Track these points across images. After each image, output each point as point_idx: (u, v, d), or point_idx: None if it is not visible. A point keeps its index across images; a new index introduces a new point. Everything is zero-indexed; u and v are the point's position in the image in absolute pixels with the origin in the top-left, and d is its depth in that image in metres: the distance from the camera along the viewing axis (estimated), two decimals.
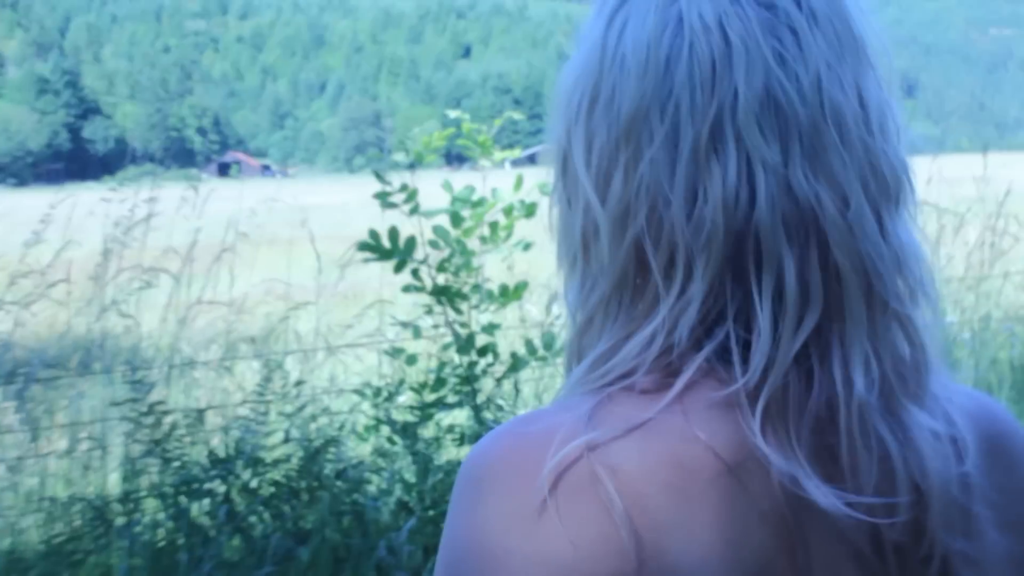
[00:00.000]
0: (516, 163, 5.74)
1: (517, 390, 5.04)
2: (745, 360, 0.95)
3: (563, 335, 5.00)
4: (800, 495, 0.92)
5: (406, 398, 5.19)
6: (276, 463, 4.85)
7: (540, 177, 4.93)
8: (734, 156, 0.95)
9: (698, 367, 0.96)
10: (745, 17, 0.97)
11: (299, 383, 5.28)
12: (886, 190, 0.97)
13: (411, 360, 5.08)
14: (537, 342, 5.03)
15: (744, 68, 0.95)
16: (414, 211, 4.86)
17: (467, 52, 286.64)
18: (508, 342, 5.88)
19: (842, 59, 0.98)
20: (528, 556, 0.90)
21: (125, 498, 4.81)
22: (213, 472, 4.74)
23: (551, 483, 0.91)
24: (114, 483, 5.10)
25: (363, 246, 4.80)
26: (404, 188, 4.86)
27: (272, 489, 4.79)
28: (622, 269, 1.00)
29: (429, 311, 4.99)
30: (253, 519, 4.69)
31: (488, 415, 4.91)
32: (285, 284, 6.50)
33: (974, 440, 1.00)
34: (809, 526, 0.93)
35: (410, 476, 4.90)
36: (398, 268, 4.84)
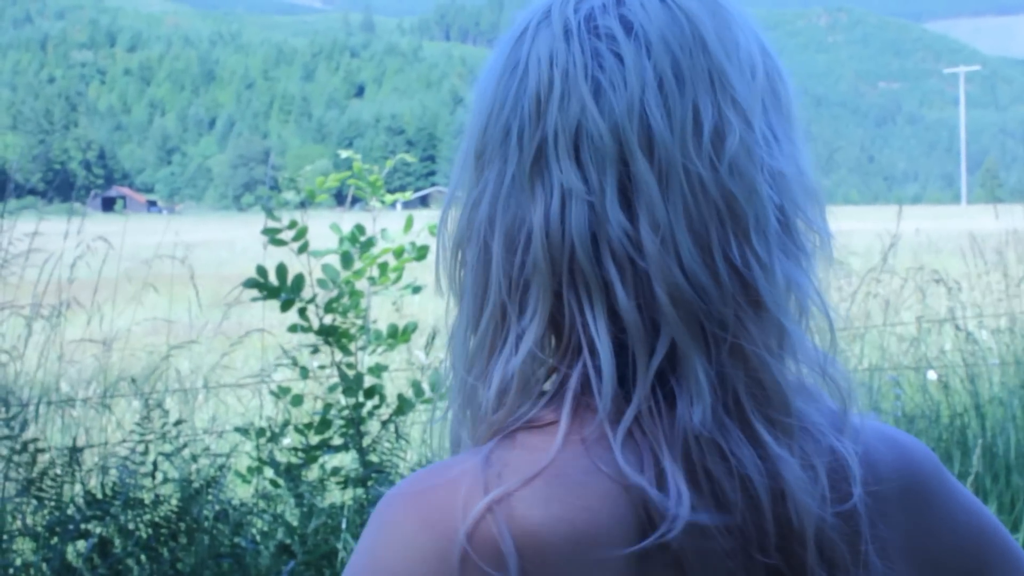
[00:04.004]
0: (408, 205, 5.74)
1: (398, 433, 4.99)
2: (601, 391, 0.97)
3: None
4: (695, 524, 0.93)
5: (290, 440, 5.14)
6: (154, 504, 4.76)
7: (432, 219, 4.94)
8: (554, 188, 0.97)
9: (574, 397, 0.97)
10: (572, 52, 0.99)
11: (179, 422, 5.18)
12: (718, 218, 0.97)
13: (296, 401, 5.03)
14: (424, 385, 5.01)
15: (558, 102, 0.98)
16: (303, 249, 4.82)
17: (360, 91, 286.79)
18: (395, 385, 5.85)
19: (680, 85, 0.98)
20: None
21: None
22: (89, 512, 4.64)
23: (466, 540, 0.93)
24: None
25: (250, 283, 4.74)
26: (293, 224, 4.83)
27: (150, 531, 4.70)
28: (475, 303, 1.03)
29: (315, 351, 4.95)
30: (130, 562, 4.60)
31: (374, 458, 4.87)
32: (168, 322, 6.39)
33: (876, 476, 1.02)
34: (703, 558, 0.94)
35: (293, 519, 4.84)
36: (285, 307, 4.79)
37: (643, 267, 0.96)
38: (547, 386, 1.00)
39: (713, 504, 0.94)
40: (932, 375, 6.55)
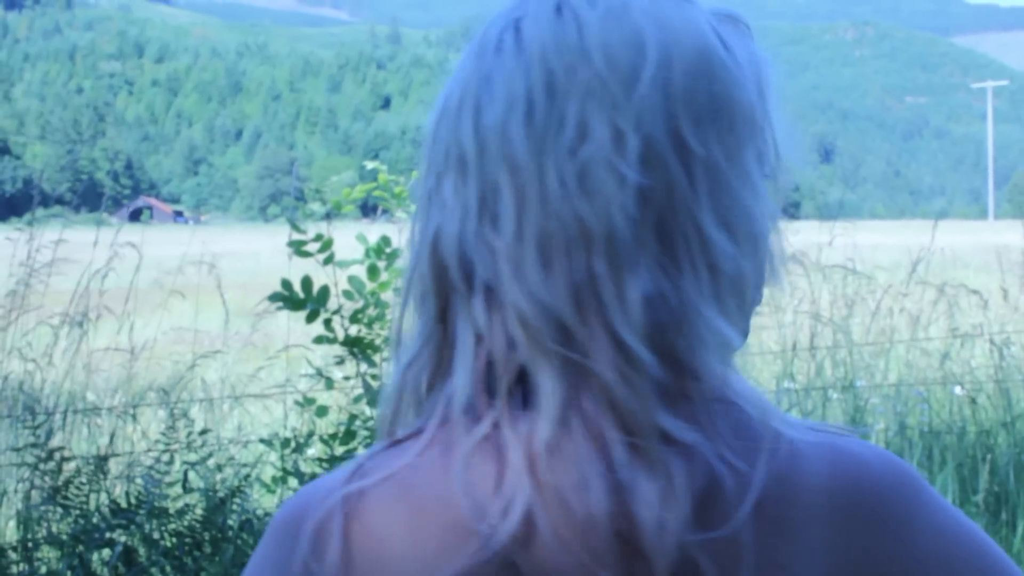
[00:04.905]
0: None
1: None
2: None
3: None
4: (535, 535, 0.93)
5: (315, 450, 5.14)
6: (179, 513, 4.77)
7: None
8: (444, 204, 1.00)
9: (445, 406, 0.99)
10: (475, 70, 1.01)
11: (204, 432, 5.20)
12: (565, 236, 0.95)
13: (321, 411, 5.03)
14: None
15: (454, 119, 1.00)
16: (328, 261, 4.83)
17: (386, 103, 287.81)
18: None
19: (550, 100, 0.96)
20: None
21: (21, 546, 4.69)
22: (114, 521, 4.65)
23: (309, 541, 0.97)
24: (11, 531, 4.98)
25: (275, 297, 4.75)
26: (319, 237, 4.84)
27: (174, 540, 4.71)
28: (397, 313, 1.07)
29: (341, 362, 4.95)
30: (155, 571, 4.61)
31: None
32: (194, 332, 6.42)
33: (791, 496, 0.95)
34: (544, 569, 0.94)
35: None
36: (310, 318, 4.79)
37: (498, 285, 0.97)
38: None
39: (560, 519, 0.93)
40: (959, 390, 6.52)
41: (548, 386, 0.94)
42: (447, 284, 0.99)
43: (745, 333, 1.04)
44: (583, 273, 0.95)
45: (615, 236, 0.95)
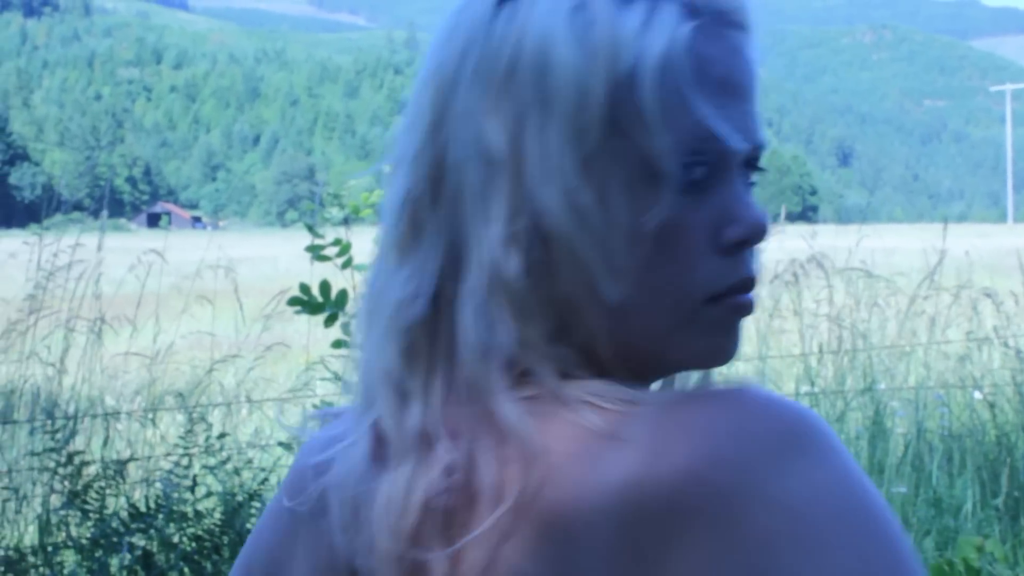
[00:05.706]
0: None
1: None
2: None
3: None
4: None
5: None
6: (198, 517, 4.78)
7: None
8: None
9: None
10: None
11: (222, 435, 5.20)
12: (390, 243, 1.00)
13: None
14: None
15: None
16: (347, 264, 4.83)
17: (404, 108, 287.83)
18: None
19: (416, 102, 1.00)
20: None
21: (41, 550, 4.70)
22: (133, 525, 4.66)
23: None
24: (31, 535, 4.99)
25: (293, 301, 4.75)
26: (338, 242, 4.84)
27: (193, 544, 4.72)
28: None
29: None
30: (173, 574, 4.61)
31: None
32: (212, 336, 6.43)
33: (565, 502, 0.84)
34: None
35: None
36: (328, 322, 4.79)
37: None
38: None
39: (345, 501, 0.97)
40: (978, 394, 6.50)
41: (355, 378, 1.00)
42: None
43: (593, 350, 0.92)
44: (382, 277, 0.99)
45: (399, 239, 0.97)
